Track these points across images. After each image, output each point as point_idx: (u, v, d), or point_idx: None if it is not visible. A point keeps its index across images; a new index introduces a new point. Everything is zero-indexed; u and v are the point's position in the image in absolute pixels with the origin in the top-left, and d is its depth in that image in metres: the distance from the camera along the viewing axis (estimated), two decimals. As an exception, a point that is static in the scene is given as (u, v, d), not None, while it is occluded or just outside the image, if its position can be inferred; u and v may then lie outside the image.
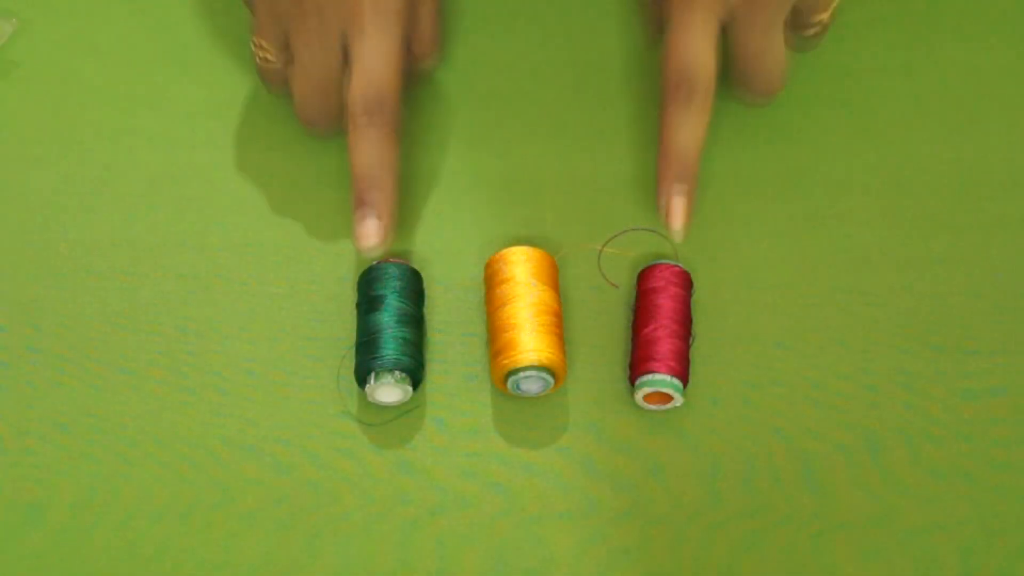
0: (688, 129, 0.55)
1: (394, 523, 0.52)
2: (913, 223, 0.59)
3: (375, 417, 0.54)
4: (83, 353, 0.55)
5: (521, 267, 0.54)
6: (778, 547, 0.52)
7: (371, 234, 0.54)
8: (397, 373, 0.52)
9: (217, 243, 0.58)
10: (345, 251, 0.58)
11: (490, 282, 0.55)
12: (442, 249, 0.58)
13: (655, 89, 0.63)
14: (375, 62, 0.54)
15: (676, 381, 0.53)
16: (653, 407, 0.54)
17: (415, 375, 0.53)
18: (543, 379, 0.53)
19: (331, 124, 0.58)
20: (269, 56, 0.57)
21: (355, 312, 0.55)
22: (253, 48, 0.58)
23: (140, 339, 0.56)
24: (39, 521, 0.52)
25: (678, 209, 0.55)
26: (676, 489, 0.53)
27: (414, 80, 0.60)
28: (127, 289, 0.57)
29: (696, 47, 0.54)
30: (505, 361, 0.52)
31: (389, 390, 0.53)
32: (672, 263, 0.56)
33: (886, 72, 0.64)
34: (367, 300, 0.54)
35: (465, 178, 0.60)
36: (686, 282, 0.55)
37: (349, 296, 0.57)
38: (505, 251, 0.55)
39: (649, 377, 0.53)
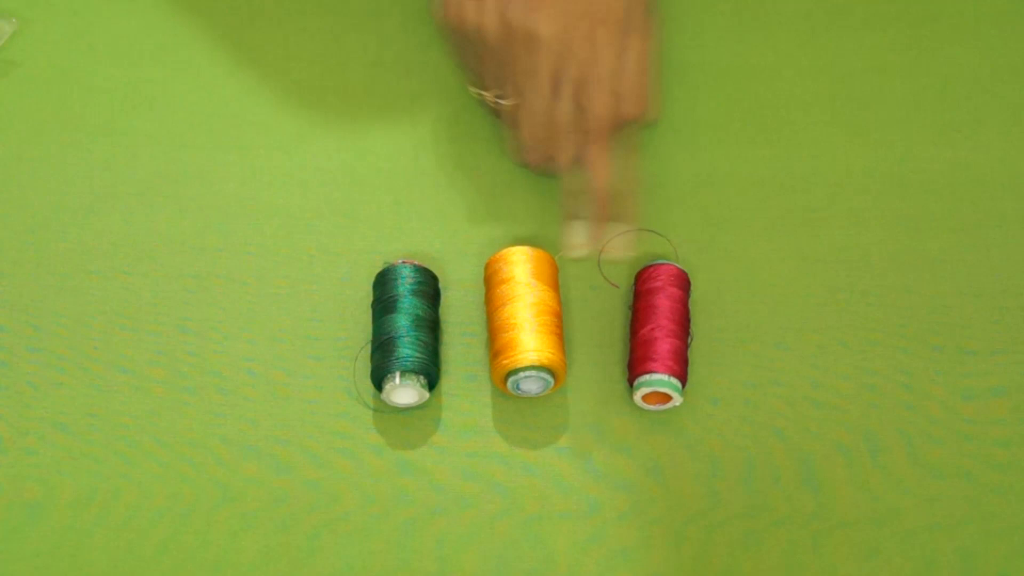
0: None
1: (394, 523, 0.52)
2: (913, 223, 0.59)
3: (381, 406, 0.54)
4: (83, 353, 0.55)
5: (521, 267, 0.54)
6: (778, 547, 0.52)
7: (619, 248, 0.58)
8: (416, 376, 0.52)
9: (217, 243, 0.58)
10: (345, 251, 0.58)
11: (490, 282, 0.55)
12: (442, 249, 0.58)
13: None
14: (615, 84, 0.57)
15: (675, 381, 0.53)
16: (652, 407, 0.54)
17: (432, 378, 0.53)
18: (543, 379, 0.53)
19: (564, 159, 0.58)
20: (503, 100, 0.58)
21: (364, 312, 0.56)
22: (481, 96, 0.59)
23: (140, 339, 0.56)
24: (39, 521, 0.52)
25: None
26: (676, 489, 0.53)
27: (625, 129, 0.60)
28: (127, 289, 0.57)
29: None
30: (505, 361, 0.52)
31: (406, 392, 0.53)
32: (669, 263, 0.56)
33: (886, 72, 0.64)
34: (385, 301, 0.54)
35: (465, 178, 0.60)
36: (684, 282, 0.55)
37: (349, 296, 0.57)
38: (505, 251, 0.55)
39: (648, 377, 0.53)
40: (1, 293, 0.57)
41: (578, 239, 0.58)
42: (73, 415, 0.54)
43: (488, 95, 0.59)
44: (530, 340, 0.52)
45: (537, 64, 0.55)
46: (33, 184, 0.60)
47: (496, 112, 0.60)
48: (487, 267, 0.56)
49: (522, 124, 0.58)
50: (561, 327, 0.54)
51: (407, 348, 0.53)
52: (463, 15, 0.57)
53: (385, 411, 0.54)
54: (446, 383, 0.55)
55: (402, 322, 0.53)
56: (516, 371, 0.52)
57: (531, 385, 0.53)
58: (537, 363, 0.52)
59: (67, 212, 0.59)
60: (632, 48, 0.58)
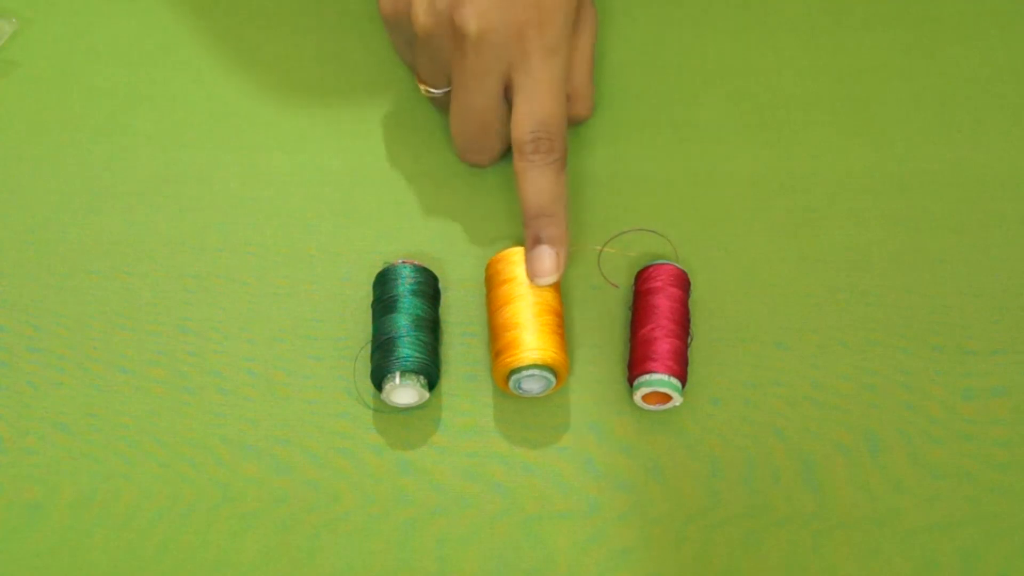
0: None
1: (394, 523, 0.52)
2: (913, 223, 0.59)
3: (381, 406, 0.54)
4: (83, 353, 0.55)
5: (522, 267, 0.54)
6: (778, 547, 0.52)
7: (548, 270, 0.54)
8: (416, 376, 0.52)
9: (217, 243, 0.58)
10: (345, 251, 0.58)
11: (491, 283, 0.55)
12: (443, 249, 0.58)
13: (655, 88, 0.63)
14: (542, 96, 0.55)
15: (675, 381, 0.53)
16: (652, 407, 0.54)
17: (432, 378, 0.53)
18: (545, 378, 0.53)
19: (489, 159, 0.59)
20: (433, 91, 0.58)
21: (364, 312, 0.55)
22: (419, 86, 0.59)
23: (140, 339, 0.56)
24: (39, 521, 0.52)
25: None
26: (676, 489, 0.53)
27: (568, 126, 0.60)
28: (127, 289, 0.57)
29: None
30: (507, 360, 0.52)
31: (406, 392, 0.53)
32: (669, 263, 0.56)
33: (886, 72, 0.64)
34: (386, 301, 0.54)
35: (466, 178, 0.60)
36: (684, 282, 0.55)
37: (349, 296, 0.57)
38: (506, 251, 0.55)
39: (648, 377, 0.53)
40: (1, 293, 0.57)
41: (543, 266, 0.54)
42: (73, 415, 0.54)
43: (434, 90, 0.58)
44: (532, 339, 0.52)
45: (463, 60, 0.54)
46: (33, 184, 0.60)
47: (440, 107, 0.60)
48: (488, 268, 0.56)
49: (451, 119, 0.58)
50: (563, 327, 0.54)
51: (407, 348, 0.53)
52: (396, 5, 0.57)
53: (385, 411, 0.54)
54: (446, 383, 0.55)
55: (402, 322, 0.53)
56: (518, 370, 0.53)
57: (533, 384, 0.53)
58: (539, 362, 0.52)
59: (67, 212, 0.59)
60: (581, 47, 0.58)
